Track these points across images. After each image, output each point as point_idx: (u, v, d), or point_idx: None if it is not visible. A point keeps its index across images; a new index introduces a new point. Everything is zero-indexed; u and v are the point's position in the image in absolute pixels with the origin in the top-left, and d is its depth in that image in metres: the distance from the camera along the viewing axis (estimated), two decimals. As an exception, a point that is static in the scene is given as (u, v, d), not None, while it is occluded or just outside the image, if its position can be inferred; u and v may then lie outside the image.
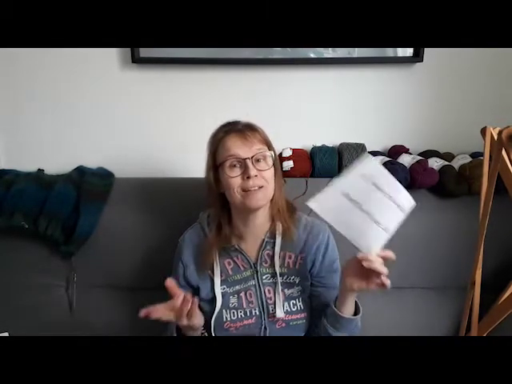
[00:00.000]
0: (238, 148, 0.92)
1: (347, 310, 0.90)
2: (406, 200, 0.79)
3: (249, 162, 0.91)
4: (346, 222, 0.77)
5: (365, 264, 0.78)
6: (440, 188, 1.27)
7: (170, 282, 0.85)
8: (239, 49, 1.33)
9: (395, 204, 0.78)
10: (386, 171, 0.78)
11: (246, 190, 0.92)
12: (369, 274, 0.80)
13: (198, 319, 0.91)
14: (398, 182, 0.79)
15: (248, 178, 0.91)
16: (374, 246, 0.79)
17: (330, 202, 0.77)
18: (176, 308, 0.84)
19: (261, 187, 0.93)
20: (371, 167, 0.79)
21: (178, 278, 1.01)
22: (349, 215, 0.77)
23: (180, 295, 0.84)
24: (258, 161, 0.93)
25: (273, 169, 0.96)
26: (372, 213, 0.77)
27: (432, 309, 1.25)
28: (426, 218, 1.24)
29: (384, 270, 0.78)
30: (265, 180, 0.93)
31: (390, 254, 0.80)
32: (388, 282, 0.79)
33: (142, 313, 0.82)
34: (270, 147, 0.97)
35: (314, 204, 0.77)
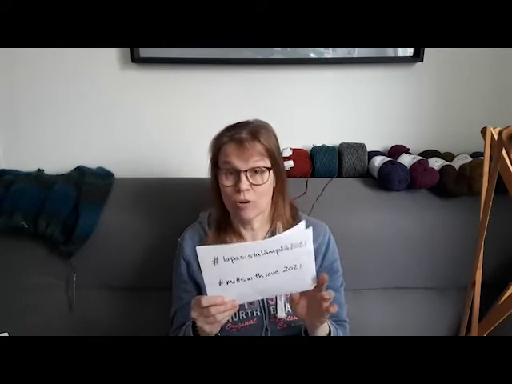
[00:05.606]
0: (235, 158, 0.90)
1: (321, 332, 0.87)
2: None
3: (242, 175, 0.90)
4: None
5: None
6: (440, 188, 1.27)
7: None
8: (239, 49, 1.33)
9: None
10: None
11: (237, 202, 0.91)
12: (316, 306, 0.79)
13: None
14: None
15: (239, 190, 0.90)
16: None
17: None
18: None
19: (252, 202, 0.91)
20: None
21: (182, 275, 1.00)
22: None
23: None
24: (255, 172, 0.91)
25: (270, 181, 0.94)
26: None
27: (432, 309, 1.25)
28: (426, 218, 1.24)
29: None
30: (257, 195, 0.91)
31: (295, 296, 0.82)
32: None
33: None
34: (272, 158, 0.93)
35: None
